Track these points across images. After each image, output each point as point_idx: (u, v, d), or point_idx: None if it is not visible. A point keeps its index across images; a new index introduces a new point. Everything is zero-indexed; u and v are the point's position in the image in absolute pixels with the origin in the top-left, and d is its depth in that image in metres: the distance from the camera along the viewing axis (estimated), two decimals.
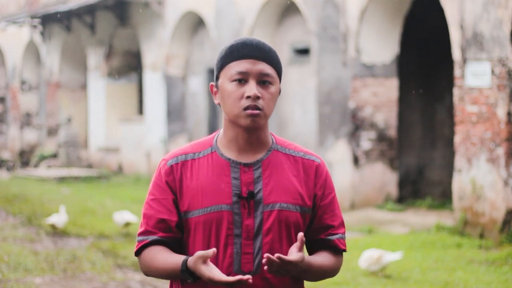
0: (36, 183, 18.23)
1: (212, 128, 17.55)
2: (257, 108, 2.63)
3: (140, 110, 21.02)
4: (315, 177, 2.75)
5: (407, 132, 14.51)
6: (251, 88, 2.62)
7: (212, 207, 2.66)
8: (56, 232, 11.09)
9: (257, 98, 2.62)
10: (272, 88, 2.67)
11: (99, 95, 21.14)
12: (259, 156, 2.72)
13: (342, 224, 2.80)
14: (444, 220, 11.37)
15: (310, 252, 2.81)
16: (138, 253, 2.73)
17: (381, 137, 13.14)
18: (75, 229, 11.37)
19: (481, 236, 10.17)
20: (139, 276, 8.43)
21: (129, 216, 11.03)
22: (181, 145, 17.57)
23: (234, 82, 2.65)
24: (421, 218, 12.08)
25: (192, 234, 2.69)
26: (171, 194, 2.70)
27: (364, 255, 8.29)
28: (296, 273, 2.60)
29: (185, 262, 2.59)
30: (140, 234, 2.72)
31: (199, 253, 2.54)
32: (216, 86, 2.73)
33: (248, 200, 2.66)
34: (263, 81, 2.65)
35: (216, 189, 2.67)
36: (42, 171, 20.51)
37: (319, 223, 2.76)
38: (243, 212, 2.66)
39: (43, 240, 10.68)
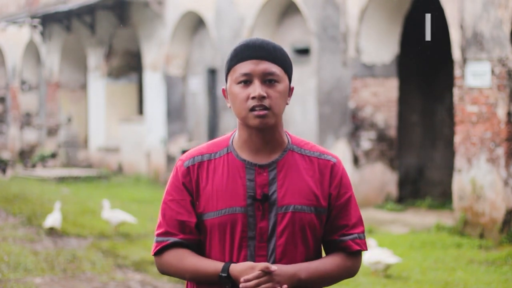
0: (36, 183, 18.22)
1: (212, 128, 17.54)
2: (264, 108, 2.61)
3: (140, 110, 21.02)
4: (330, 176, 2.73)
5: (407, 132, 14.50)
6: (255, 88, 2.61)
7: (227, 209, 2.65)
8: (56, 233, 11.08)
9: (262, 97, 2.60)
10: (279, 86, 2.64)
11: (99, 95, 21.14)
12: (274, 156, 2.70)
13: (359, 223, 2.75)
14: (444, 220, 11.36)
15: (328, 254, 2.78)
16: (157, 253, 2.72)
17: (381, 137, 13.13)
18: (75, 229, 11.37)
19: (481, 236, 10.17)
20: (139, 276, 8.44)
21: (123, 215, 11.01)
22: (181, 145, 17.59)
23: (240, 84, 2.64)
24: (421, 218, 12.08)
25: (208, 236, 2.69)
26: (188, 195, 2.69)
27: (366, 254, 8.29)
28: (298, 284, 2.61)
29: (226, 268, 2.60)
30: (160, 234, 2.71)
31: (260, 264, 2.58)
32: (227, 90, 2.72)
33: (262, 202, 2.65)
34: (268, 80, 2.63)
35: (230, 191, 2.66)
36: (42, 171, 20.50)
37: (333, 223, 2.73)
38: (257, 214, 2.65)
39: (43, 240, 10.68)
